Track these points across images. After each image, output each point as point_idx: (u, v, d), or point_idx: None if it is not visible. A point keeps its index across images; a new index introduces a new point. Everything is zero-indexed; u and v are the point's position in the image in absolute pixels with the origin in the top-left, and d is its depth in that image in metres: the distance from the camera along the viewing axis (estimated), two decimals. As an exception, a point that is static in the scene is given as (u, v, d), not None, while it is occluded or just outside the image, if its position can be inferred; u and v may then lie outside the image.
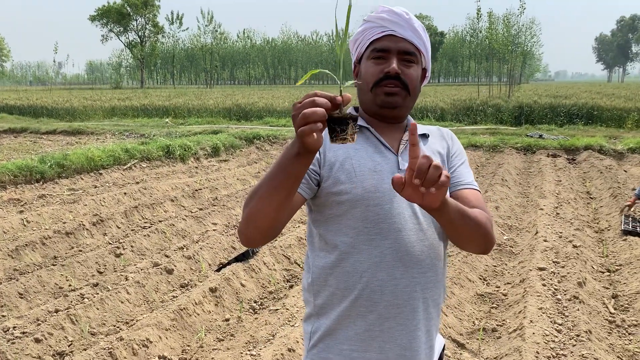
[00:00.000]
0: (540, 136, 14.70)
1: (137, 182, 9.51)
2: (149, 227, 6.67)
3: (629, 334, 4.02)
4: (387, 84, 1.55)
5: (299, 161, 1.22)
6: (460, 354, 3.72)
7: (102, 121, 20.85)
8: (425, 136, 1.67)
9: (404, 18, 1.58)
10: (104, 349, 3.47)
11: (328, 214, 1.53)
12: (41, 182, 8.98)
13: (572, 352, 3.55)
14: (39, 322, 4.05)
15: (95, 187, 9.18)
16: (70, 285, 4.89)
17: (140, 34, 75.77)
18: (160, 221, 6.91)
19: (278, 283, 5.06)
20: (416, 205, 1.59)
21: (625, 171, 10.15)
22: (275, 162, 1.29)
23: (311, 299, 1.59)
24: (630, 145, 12.28)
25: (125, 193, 8.21)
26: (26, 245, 5.66)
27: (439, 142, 1.71)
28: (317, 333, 1.57)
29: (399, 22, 1.58)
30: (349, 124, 1.17)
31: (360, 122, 1.57)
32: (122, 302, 4.45)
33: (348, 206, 1.49)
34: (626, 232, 6.27)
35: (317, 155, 1.51)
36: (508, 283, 4.99)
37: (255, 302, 4.71)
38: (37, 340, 3.70)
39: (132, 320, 4.24)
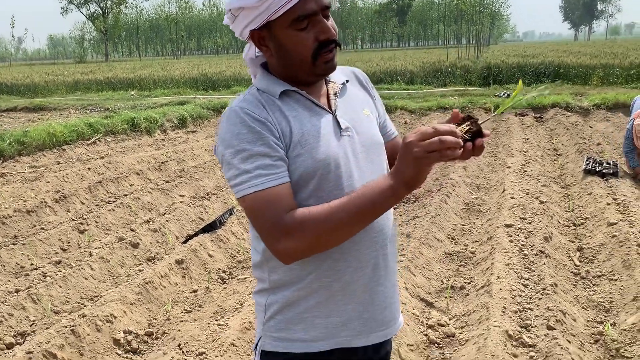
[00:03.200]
0: (508, 96, 14.74)
1: (102, 157, 9.28)
2: (114, 201, 6.52)
3: (594, 285, 4.09)
4: (325, 51, 1.43)
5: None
6: (429, 312, 3.73)
7: (65, 96, 20.24)
8: (345, 83, 1.60)
9: None
10: (66, 326, 3.38)
11: None
12: (0, 161, 8.69)
13: (538, 305, 3.59)
14: (-1, 302, 3.93)
15: (59, 163, 8.93)
16: (32, 265, 4.76)
17: (102, 5, 73.32)
18: (125, 195, 6.76)
19: (247, 252, 5.00)
20: (362, 161, 1.52)
21: (590, 127, 10.28)
22: (374, 201, 1.30)
23: (265, 275, 1.52)
24: (595, 101, 12.42)
25: (89, 168, 8.00)
26: (-15, 225, 5.48)
27: (361, 89, 1.66)
28: (273, 305, 1.51)
29: None
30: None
31: (284, 85, 1.49)
32: (86, 279, 4.35)
33: (302, 180, 1.42)
34: (587, 172, 6.67)
35: (278, 135, 1.43)
36: (476, 241, 5.02)
37: (224, 272, 4.65)
38: (-3, 321, 3.59)
39: (97, 296, 4.15)
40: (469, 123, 1.30)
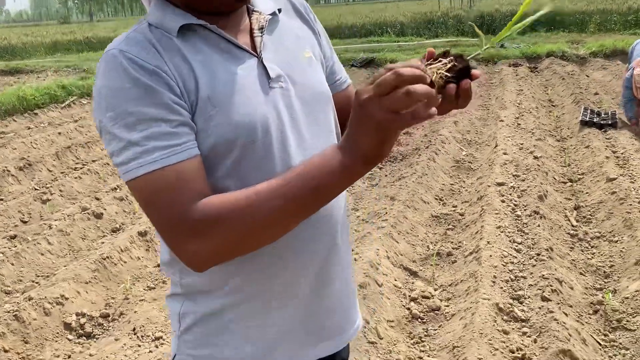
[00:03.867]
0: (502, 46, 14.21)
1: (76, 121, 8.82)
2: (81, 168, 6.12)
3: (592, 247, 3.77)
4: None
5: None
6: (413, 282, 3.41)
7: (45, 58, 19.51)
8: (277, 13, 1.20)
9: None
10: (9, 312, 3.04)
11: None
12: (-34, 128, 8.23)
13: (532, 273, 3.27)
14: (-57, 284, 3.59)
15: (29, 128, 8.47)
16: (-15, 240, 4.40)
17: (83, -38, 70.94)
18: (94, 161, 6.36)
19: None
20: (301, 123, 1.14)
21: (587, 76, 9.83)
22: (320, 184, 0.94)
23: (176, 277, 1.16)
24: (592, 49, 11.91)
25: (59, 133, 7.57)
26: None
27: (299, 22, 1.26)
28: (189, 315, 1.16)
29: None
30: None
31: (185, 18, 1.08)
32: (42, 254, 3.99)
33: (217, 153, 1.04)
34: (583, 123, 6.29)
35: (178, 90, 1.03)
36: (466, 201, 4.67)
37: (193, 242, 4.30)
38: (-64, 307, 3.25)
39: (53, 274, 3.81)
40: (451, 59, 0.91)
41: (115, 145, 0.99)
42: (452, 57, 0.92)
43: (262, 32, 1.13)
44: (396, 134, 0.90)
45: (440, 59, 0.93)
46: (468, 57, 0.95)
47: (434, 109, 0.85)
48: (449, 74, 0.89)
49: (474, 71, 0.93)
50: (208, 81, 1.04)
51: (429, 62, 0.92)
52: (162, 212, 0.98)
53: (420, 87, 0.83)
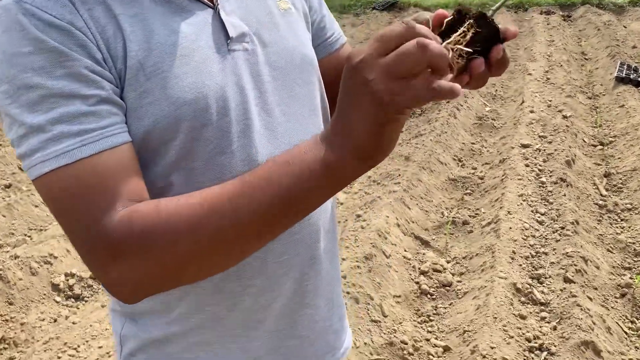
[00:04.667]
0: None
1: None
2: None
3: (621, 220, 3.47)
4: None
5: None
6: (424, 253, 3.17)
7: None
8: None
9: None
10: (-8, 271, 2.88)
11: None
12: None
13: (554, 249, 3.00)
14: None
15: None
16: (-20, 188, 4.23)
17: None
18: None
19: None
20: (272, 100, 0.86)
21: (625, 27, 9.20)
22: (296, 193, 0.66)
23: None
24: (632, -3, 11.15)
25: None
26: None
27: None
28: (130, 340, 0.92)
29: None
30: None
31: None
32: (36, 206, 3.81)
33: (153, 141, 0.78)
34: (619, 80, 5.80)
35: (100, 55, 0.74)
36: (486, 163, 4.36)
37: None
38: None
39: (46, 228, 3.63)
40: (470, 24, 0.63)
41: (16, 131, 0.72)
42: (471, 21, 0.63)
43: None
44: (402, 118, 0.61)
45: (454, 26, 0.63)
46: (492, 12, 0.66)
47: (457, 86, 0.57)
48: (470, 50, 0.60)
49: (507, 30, 0.65)
50: (141, 42, 0.76)
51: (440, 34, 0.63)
52: (74, 224, 0.72)
53: (435, 47, 0.56)
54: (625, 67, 6.17)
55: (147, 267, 0.69)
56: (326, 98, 0.98)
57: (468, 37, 0.61)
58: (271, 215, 0.67)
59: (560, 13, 10.94)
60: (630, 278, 2.86)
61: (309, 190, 0.66)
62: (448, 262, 3.11)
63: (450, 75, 0.59)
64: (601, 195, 3.76)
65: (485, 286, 2.69)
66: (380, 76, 0.57)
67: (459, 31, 0.62)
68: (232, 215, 0.67)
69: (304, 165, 0.65)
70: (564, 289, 2.66)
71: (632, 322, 2.61)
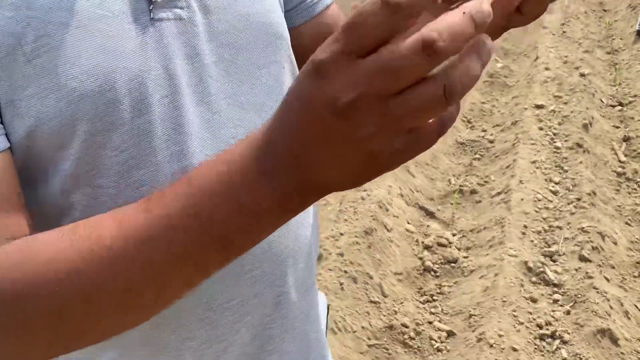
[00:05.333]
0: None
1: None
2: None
3: (641, 188, 3.24)
4: None
5: None
6: (428, 226, 2.96)
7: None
8: None
9: None
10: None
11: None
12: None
13: (569, 223, 2.78)
14: None
15: None
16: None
17: None
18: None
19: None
20: (215, 90, 0.64)
21: (646, -24, 8.70)
22: (220, 230, 0.46)
23: None
24: (655, -57, 10.54)
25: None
26: None
27: None
28: None
29: None
30: None
31: None
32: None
33: (44, 148, 0.57)
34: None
35: None
36: (497, 125, 4.10)
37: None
38: None
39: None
40: None
41: None
42: None
43: None
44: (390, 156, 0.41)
45: None
46: None
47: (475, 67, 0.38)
48: None
49: None
50: (17, 7, 0.53)
51: None
52: None
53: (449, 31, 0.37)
54: (647, 19, 5.81)
55: (22, 332, 0.49)
56: None
57: None
58: (200, 259, 0.47)
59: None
60: (651, 255, 2.66)
61: (248, 229, 0.46)
62: (454, 235, 2.91)
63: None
64: (619, 161, 3.51)
65: (494, 265, 2.50)
66: (366, 104, 0.37)
67: None
68: (141, 258, 0.47)
69: (234, 195, 0.45)
70: (579, 268, 2.46)
71: (651, 304, 2.43)
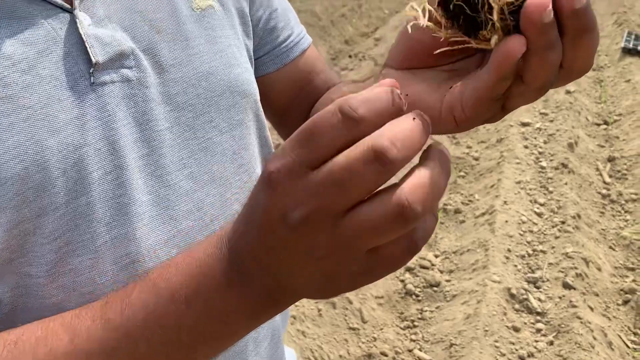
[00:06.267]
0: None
1: None
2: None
3: (625, 211, 3.21)
4: None
5: None
6: (411, 246, 2.90)
7: None
8: None
9: None
10: None
11: None
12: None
13: (553, 247, 2.74)
14: None
15: None
16: None
17: None
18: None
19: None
20: (171, 163, 0.57)
21: (632, -9, 8.77)
22: (214, 313, 0.41)
23: None
24: (640, -41, 10.65)
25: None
26: None
27: None
28: None
29: None
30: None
31: None
32: None
33: None
34: (626, 51, 5.45)
35: None
36: (482, 142, 4.06)
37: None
38: None
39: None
40: None
41: None
42: None
43: None
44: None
45: None
46: None
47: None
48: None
49: None
50: None
51: None
52: None
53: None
54: (632, 36, 5.82)
55: None
56: (271, 141, 0.67)
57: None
58: None
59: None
60: (633, 281, 2.62)
61: (218, 336, 0.43)
62: (437, 256, 2.85)
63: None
64: (604, 182, 3.49)
65: (477, 290, 2.44)
66: (317, 221, 0.34)
67: None
68: None
69: (205, 305, 0.41)
70: (563, 296, 2.41)
71: (634, 333, 2.38)
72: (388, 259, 0.36)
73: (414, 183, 0.34)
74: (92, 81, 0.50)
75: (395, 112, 0.34)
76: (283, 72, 0.73)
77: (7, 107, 0.46)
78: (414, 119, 0.34)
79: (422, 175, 0.34)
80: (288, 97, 0.73)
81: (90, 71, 0.50)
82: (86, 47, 0.50)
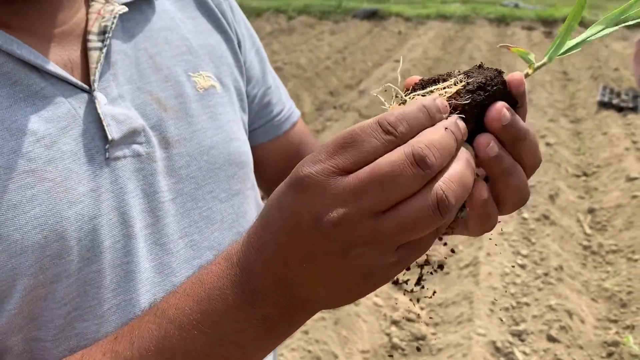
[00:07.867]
0: (516, 5, 13.39)
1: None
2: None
3: (607, 263, 3.26)
4: None
5: None
6: (397, 298, 2.91)
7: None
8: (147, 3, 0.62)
9: None
10: None
11: None
12: None
13: (537, 299, 2.76)
14: None
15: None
16: None
17: None
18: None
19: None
20: (174, 231, 0.60)
21: (606, 46, 9.12)
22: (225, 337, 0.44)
23: None
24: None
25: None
26: None
27: (198, 17, 0.67)
28: None
29: None
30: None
31: None
32: None
33: None
34: (602, 104, 5.67)
35: None
36: (465, 193, 4.13)
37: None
38: None
39: None
40: (459, 79, 0.46)
41: None
42: (462, 76, 0.46)
43: (104, 39, 0.56)
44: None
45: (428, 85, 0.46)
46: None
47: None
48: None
49: (512, 77, 0.48)
50: None
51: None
52: None
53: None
54: (607, 91, 6.04)
55: None
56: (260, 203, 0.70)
57: (452, 91, 0.43)
58: None
59: (542, 29, 10.87)
60: (616, 333, 2.64)
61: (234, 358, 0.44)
62: (422, 308, 2.86)
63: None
64: (585, 233, 3.55)
65: (462, 344, 2.44)
66: (354, 222, 0.37)
67: (440, 85, 0.44)
68: None
69: (218, 330, 0.43)
70: (548, 349, 2.42)
71: (619, 387, 2.39)
72: (419, 243, 0.40)
73: (447, 180, 0.37)
74: (107, 156, 0.54)
75: (430, 123, 0.39)
76: (274, 143, 0.77)
77: (31, 180, 0.49)
78: (445, 129, 0.38)
79: (453, 174, 0.38)
80: (279, 166, 0.77)
81: (106, 147, 0.54)
82: (103, 125, 0.54)
